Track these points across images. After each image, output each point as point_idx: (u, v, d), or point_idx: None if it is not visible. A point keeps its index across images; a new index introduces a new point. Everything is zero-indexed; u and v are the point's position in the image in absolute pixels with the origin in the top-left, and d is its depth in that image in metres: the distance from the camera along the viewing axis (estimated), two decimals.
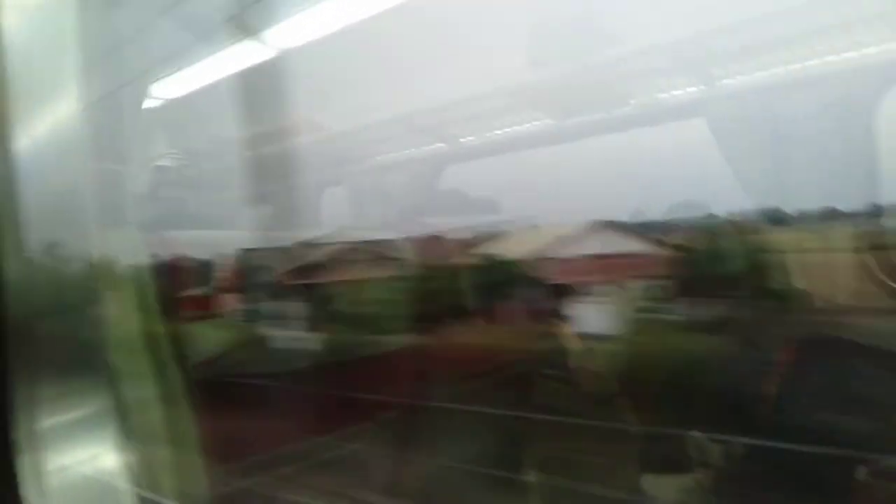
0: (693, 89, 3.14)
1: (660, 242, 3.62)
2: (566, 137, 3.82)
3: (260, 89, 3.51)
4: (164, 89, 3.66)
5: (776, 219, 2.93)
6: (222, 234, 5.40)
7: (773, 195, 2.90)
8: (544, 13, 3.27)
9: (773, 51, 2.88)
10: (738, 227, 3.05)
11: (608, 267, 3.71)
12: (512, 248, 4.06)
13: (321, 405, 3.46)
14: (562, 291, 3.66)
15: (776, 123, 2.79)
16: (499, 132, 3.99)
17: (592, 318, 3.37)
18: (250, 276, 4.97)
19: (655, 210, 3.58)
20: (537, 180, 3.87)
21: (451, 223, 4.41)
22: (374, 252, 4.55)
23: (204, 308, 4.83)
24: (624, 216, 3.93)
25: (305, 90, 3.97)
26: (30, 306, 1.69)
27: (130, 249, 2.57)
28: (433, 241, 4.39)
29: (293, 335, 4.34)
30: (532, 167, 3.91)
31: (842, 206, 2.73)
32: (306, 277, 4.66)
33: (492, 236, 4.23)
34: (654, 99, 3.43)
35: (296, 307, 4.45)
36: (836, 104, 2.70)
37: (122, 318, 2.32)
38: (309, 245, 4.72)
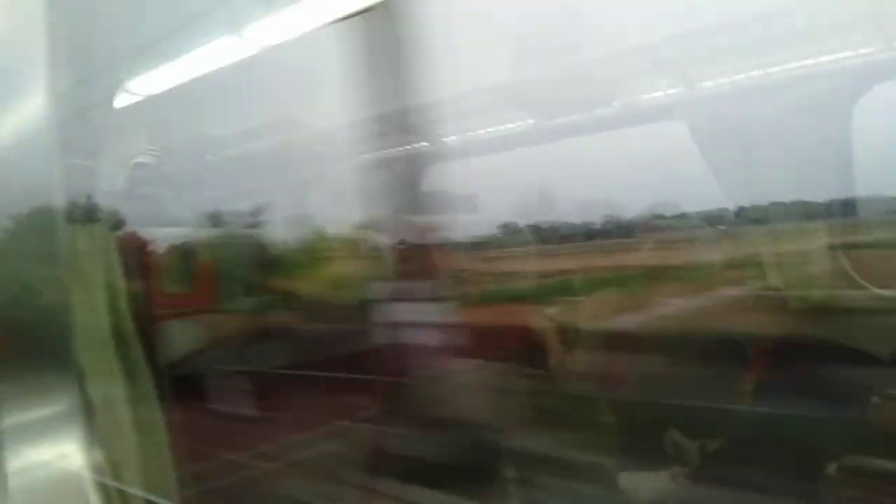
0: (673, 91, 3.15)
1: None
2: (549, 137, 3.82)
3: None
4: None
5: None
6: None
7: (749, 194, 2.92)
8: (526, 14, 3.26)
9: (753, 54, 2.90)
10: None
11: None
12: None
13: None
14: None
15: (753, 125, 2.81)
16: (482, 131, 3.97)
17: None
18: None
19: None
20: (520, 181, 3.87)
21: None
22: None
23: None
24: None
25: (288, 87, 3.94)
26: None
27: (101, 247, 2.53)
28: None
29: None
30: (514, 167, 3.91)
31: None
32: None
33: None
34: (637, 100, 3.44)
35: None
36: (813, 107, 2.72)
37: (94, 316, 2.28)
38: None
